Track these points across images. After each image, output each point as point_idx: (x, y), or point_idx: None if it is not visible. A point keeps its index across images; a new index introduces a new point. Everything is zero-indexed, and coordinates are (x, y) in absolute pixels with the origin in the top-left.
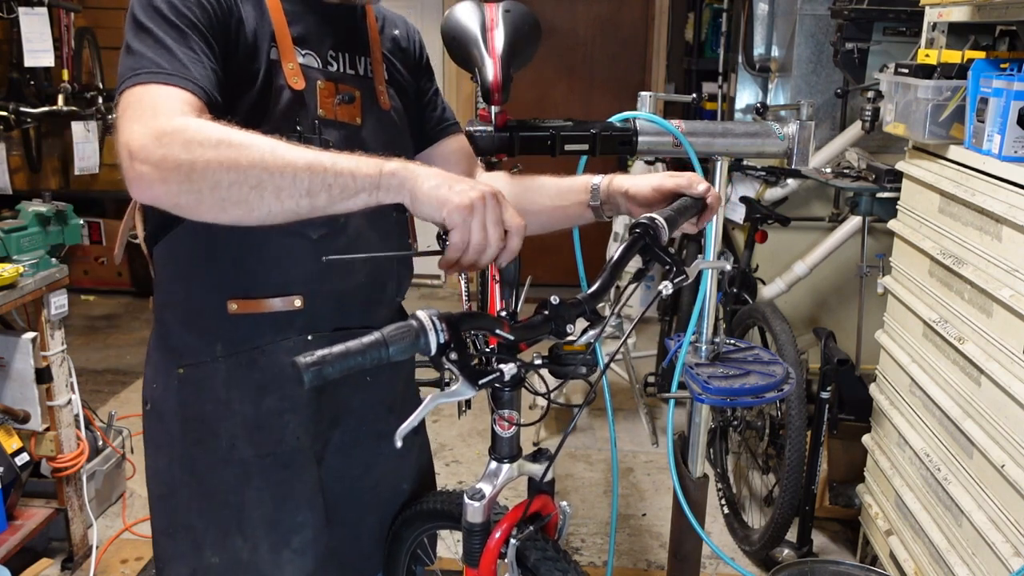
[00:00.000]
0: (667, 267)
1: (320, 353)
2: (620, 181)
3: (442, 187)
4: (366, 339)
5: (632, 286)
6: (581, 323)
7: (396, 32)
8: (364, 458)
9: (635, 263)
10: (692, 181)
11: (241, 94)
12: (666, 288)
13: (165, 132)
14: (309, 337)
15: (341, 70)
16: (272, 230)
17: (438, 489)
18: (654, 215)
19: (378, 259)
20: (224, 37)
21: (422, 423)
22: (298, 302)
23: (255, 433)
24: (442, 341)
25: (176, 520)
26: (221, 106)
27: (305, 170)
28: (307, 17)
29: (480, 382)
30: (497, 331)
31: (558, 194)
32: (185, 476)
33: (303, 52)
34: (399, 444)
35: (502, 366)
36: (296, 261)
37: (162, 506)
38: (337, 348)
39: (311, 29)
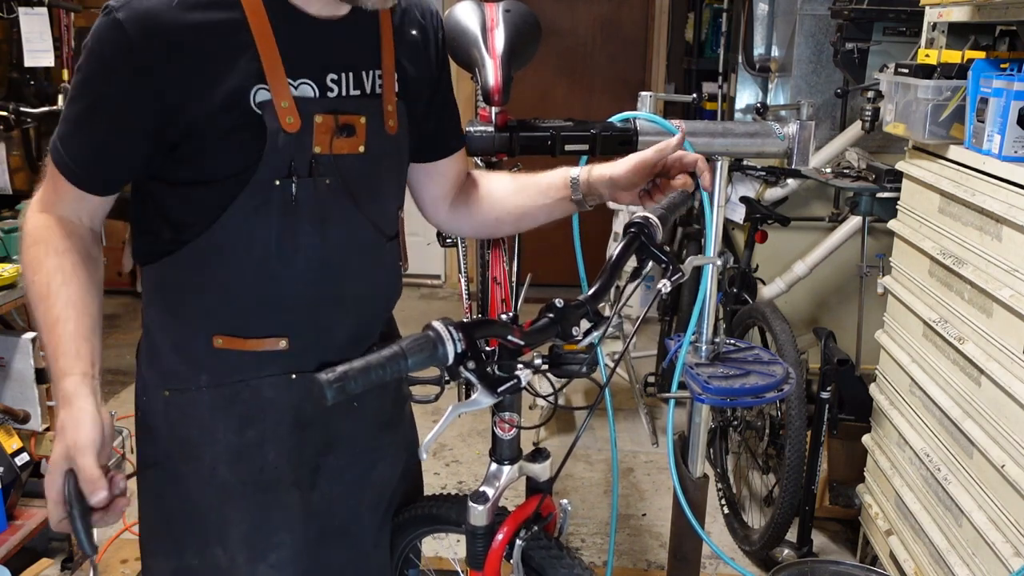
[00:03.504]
0: (663, 265)
1: (342, 369)
2: (600, 170)
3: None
4: (385, 352)
5: (632, 285)
6: (583, 323)
7: (414, 32)
8: (359, 479)
9: (633, 262)
10: (666, 149)
11: (223, 146)
12: (664, 287)
13: (24, 227)
14: (293, 376)
15: (344, 93)
16: (257, 274)
17: (434, 488)
18: (647, 214)
19: (364, 299)
20: (162, 107)
21: (412, 425)
22: (283, 343)
23: (236, 461)
24: (459, 351)
25: (161, 520)
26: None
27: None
28: (304, 37)
29: (499, 390)
30: (509, 337)
31: (539, 193)
32: (170, 487)
33: (297, 83)
34: (424, 457)
35: (518, 372)
36: (282, 307)
37: (149, 505)
38: (358, 363)
39: (308, 51)
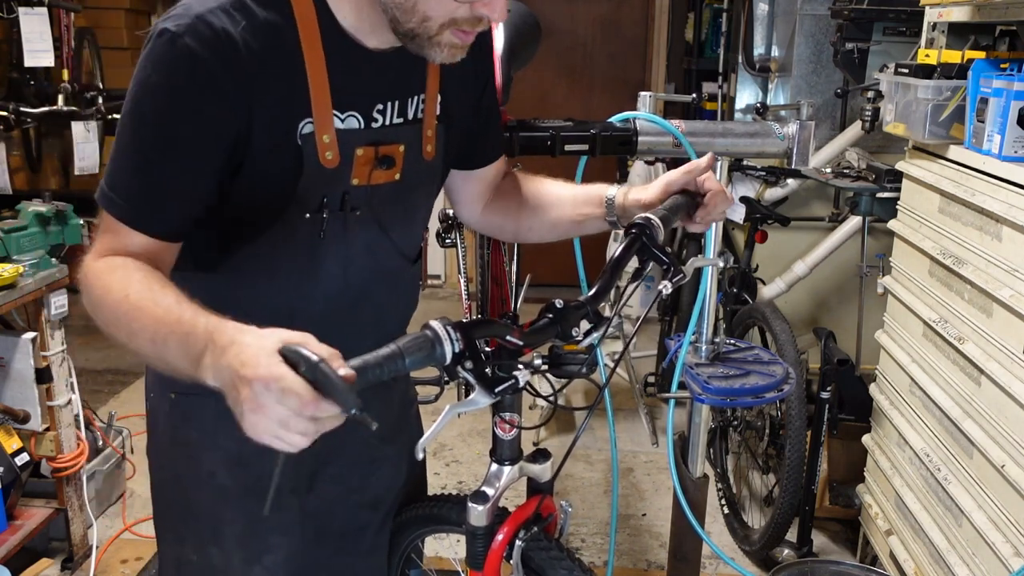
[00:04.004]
0: (664, 266)
1: None
2: (634, 195)
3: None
4: (382, 352)
5: (632, 286)
6: (583, 324)
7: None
8: (359, 482)
9: (634, 263)
10: (695, 171)
11: (264, 179)
12: (665, 288)
13: (83, 277)
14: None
15: (387, 123)
16: (276, 300)
17: (434, 488)
18: (649, 215)
19: (382, 322)
20: (235, 141)
21: (418, 426)
22: None
23: (235, 467)
24: (457, 351)
25: (165, 511)
26: (200, 221)
27: (150, 344)
28: (357, 71)
29: (497, 390)
30: (508, 337)
31: (574, 208)
32: (171, 484)
33: (344, 116)
34: (420, 456)
35: (517, 372)
36: (297, 330)
37: (157, 496)
38: (355, 362)
39: (360, 84)
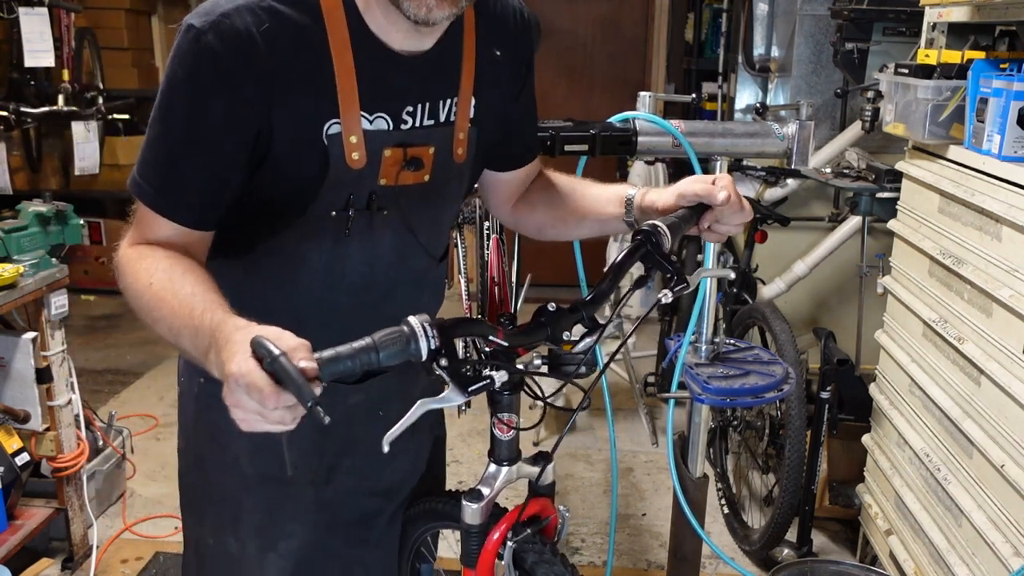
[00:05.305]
0: (668, 275)
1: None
2: (650, 198)
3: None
4: (356, 344)
5: (632, 292)
6: (578, 328)
7: (499, 52)
8: (376, 474)
9: (636, 268)
10: (714, 189)
11: (289, 177)
12: (665, 296)
13: (116, 263)
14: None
15: (418, 124)
16: (300, 295)
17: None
18: (657, 222)
19: (412, 313)
20: (256, 137)
21: (440, 421)
22: None
23: (257, 455)
24: (433, 347)
25: (188, 495)
26: (225, 210)
27: (168, 333)
28: (386, 73)
29: (470, 389)
30: (491, 337)
31: (598, 208)
32: (195, 467)
33: (373, 117)
34: (386, 449)
35: (493, 373)
36: (320, 325)
37: (182, 478)
38: (327, 353)
39: (389, 86)
